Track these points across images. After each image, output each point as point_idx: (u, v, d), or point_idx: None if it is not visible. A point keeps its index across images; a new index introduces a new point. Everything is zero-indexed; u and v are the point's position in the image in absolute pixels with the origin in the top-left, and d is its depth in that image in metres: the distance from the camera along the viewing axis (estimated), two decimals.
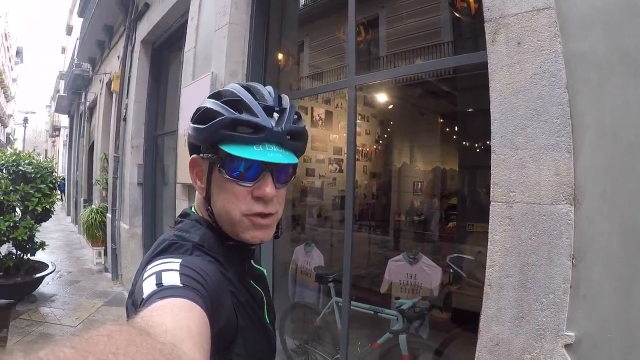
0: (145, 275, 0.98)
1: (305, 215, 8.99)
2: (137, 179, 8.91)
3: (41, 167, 8.32)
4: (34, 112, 54.33)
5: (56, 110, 29.64)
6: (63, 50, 41.78)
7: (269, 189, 1.19)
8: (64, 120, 36.15)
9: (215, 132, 1.17)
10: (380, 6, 6.58)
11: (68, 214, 23.47)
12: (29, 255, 8.16)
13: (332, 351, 5.06)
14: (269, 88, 1.29)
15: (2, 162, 7.99)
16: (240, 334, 1.15)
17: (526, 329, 2.12)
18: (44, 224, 8.71)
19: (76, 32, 22.57)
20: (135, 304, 0.97)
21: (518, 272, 2.17)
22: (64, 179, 23.86)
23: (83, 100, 17.90)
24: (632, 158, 1.91)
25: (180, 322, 0.78)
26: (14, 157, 8.09)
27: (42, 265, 8.54)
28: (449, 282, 5.30)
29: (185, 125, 5.38)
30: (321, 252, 6.14)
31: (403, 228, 9.51)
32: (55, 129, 44.74)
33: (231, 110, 1.17)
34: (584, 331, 1.99)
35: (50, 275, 8.52)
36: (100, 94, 13.84)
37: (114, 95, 10.76)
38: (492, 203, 2.30)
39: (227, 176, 1.18)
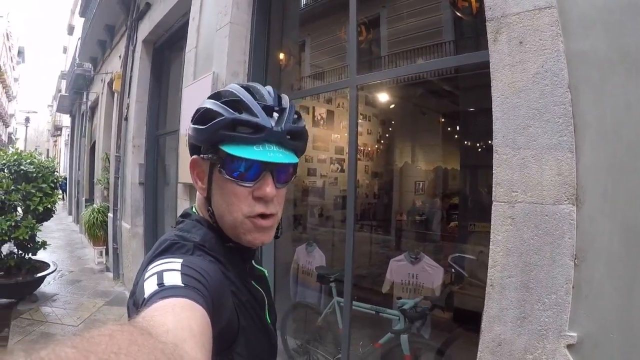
0: (147, 275, 0.98)
1: (307, 215, 8.98)
2: (139, 179, 8.92)
3: (43, 166, 8.34)
4: (36, 112, 54.53)
5: (58, 110, 29.66)
6: (65, 50, 41.77)
7: (269, 188, 1.19)
8: (65, 119, 36.21)
9: (215, 132, 1.17)
10: (381, 6, 6.58)
11: (69, 213, 23.49)
12: (30, 254, 8.17)
13: (333, 351, 5.05)
14: (269, 88, 1.29)
15: (4, 161, 8.00)
16: (241, 334, 1.15)
17: (528, 329, 2.12)
18: (45, 223, 8.72)
19: (78, 32, 22.57)
20: (136, 304, 0.97)
21: (520, 272, 2.17)
22: (65, 178, 23.92)
23: (85, 99, 17.91)
24: (633, 157, 1.91)
25: (181, 322, 0.78)
26: (15, 157, 8.11)
27: (44, 265, 8.56)
28: (450, 282, 5.31)
29: (186, 125, 5.37)
30: (323, 252, 6.14)
31: (405, 228, 9.51)
32: (57, 129, 44.77)
33: (231, 110, 1.17)
34: (586, 331, 1.98)
35: (51, 274, 8.53)
36: (102, 93, 13.85)
37: (116, 95, 10.78)
38: (494, 203, 2.30)
39: (228, 176, 1.19)
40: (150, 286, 0.93)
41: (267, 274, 1.50)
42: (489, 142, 2.43)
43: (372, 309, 4.75)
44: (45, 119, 73.97)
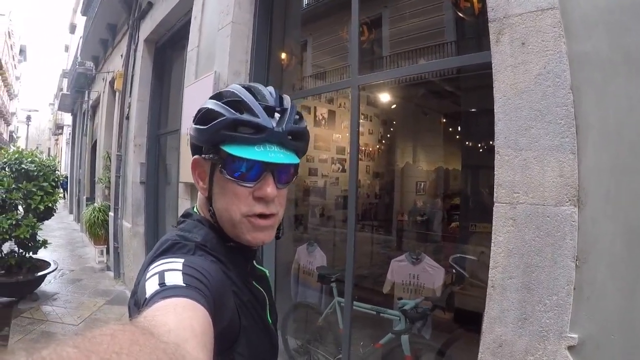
0: (148, 275, 0.99)
1: (308, 214, 8.98)
2: (140, 178, 8.91)
3: (44, 165, 8.34)
4: (37, 110, 54.68)
5: (59, 109, 29.67)
6: (66, 49, 41.78)
7: (269, 189, 1.19)
8: (67, 118, 36.30)
9: (217, 132, 1.17)
10: (383, 6, 6.57)
11: (70, 212, 23.50)
12: (31, 253, 8.18)
13: (334, 351, 5.06)
14: (270, 88, 1.29)
15: (5, 160, 8.01)
16: (243, 334, 1.15)
17: (529, 331, 2.12)
18: (46, 222, 8.72)
19: (79, 31, 22.57)
20: (138, 303, 0.97)
21: (521, 273, 2.17)
22: (66, 177, 23.92)
23: (86, 98, 17.91)
24: (635, 158, 1.91)
25: (183, 321, 0.78)
26: (16, 155, 8.11)
27: (44, 264, 8.56)
28: (451, 283, 5.30)
29: (188, 125, 5.36)
30: (324, 252, 6.14)
31: (406, 228, 9.49)
32: (58, 127, 44.84)
33: (232, 110, 1.17)
34: (587, 333, 1.98)
35: (52, 273, 8.54)
36: (104, 92, 13.85)
37: (117, 93, 10.78)
38: (495, 204, 2.30)
39: (229, 176, 1.19)
40: (151, 286, 0.93)
41: (268, 274, 1.50)
42: (491, 142, 2.43)
43: (372, 309, 4.75)
44: (46, 118, 74.01)
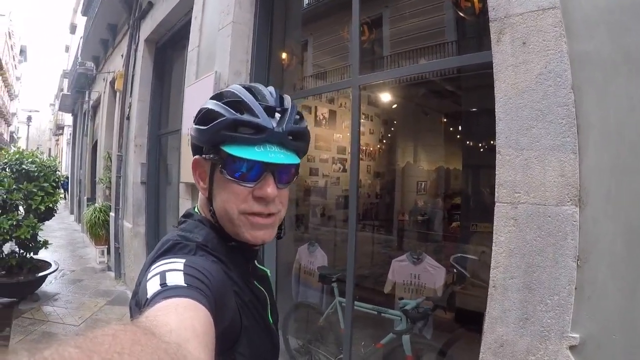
0: (149, 275, 0.99)
1: (309, 214, 8.98)
2: (141, 178, 8.92)
3: (44, 165, 8.34)
4: (38, 111, 54.64)
5: (60, 109, 29.70)
6: (67, 49, 41.81)
7: (270, 189, 1.19)
8: (67, 118, 36.32)
9: (217, 133, 1.17)
10: (384, 6, 6.57)
11: (71, 212, 23.52)
12: (31, 253, 8.18)
13: (335, 351, 5.06)
14: (271, 88, 1.29)
15: (6, 160, 8.02)
16: (244, 334, 1.15)
17: (531, 331, 2.12)
18: (47, 222, 8.72)
19: (80, 31, 22.57)
20: (139, 304, 0.97)
21: (523, 273, 2.16)
22: (67, 177, 23.88)
23: (87, 99, 17.93)
24: (636, 158, 1.91)
25: (184, 321, 0.78)
26: (17, 156, 8.11)
27: (45, 264, 8.57)
28: (452, 283, 5.29)
29: (188, 125, 5.36)
30: (325, 252, 6.13)
31: (407, 228, 9.49)
32: (59, 128, 44.91)
33: (232, 111, 1.17)
34: (589, 333, 1.98)
35: (53, 274, 8.54)
36: (104, 92, 13.86)
37: (118, 94, 10.78)
38: (496, 204, 2.30)
39: (229, 177, 1.19)
40: (153, 286, 0.93)
41: (269, 273, 1.50)
42: (492, 142, 2.43)
43: (374, 309, 4.74)
44: (47, 118, 74.05)
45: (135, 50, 9.51)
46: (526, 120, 2.19)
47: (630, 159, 1.92)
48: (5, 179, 7.57)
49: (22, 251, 8.02)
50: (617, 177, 1.96)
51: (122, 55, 10.89)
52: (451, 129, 10.54)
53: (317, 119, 9.18)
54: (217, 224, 1.27)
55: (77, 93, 19.99)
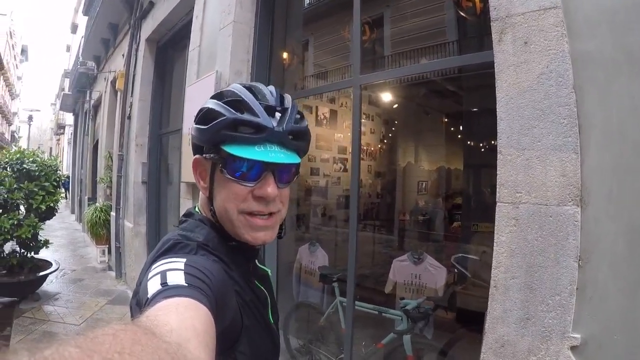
0: (150, 274, 0.99)
1: (310, 214, 8.97)
2: (142, 178, 8.92)
3: (45, 165, 8.34)
4: (39, 110, 54.60)
5: (61, 109, 29.75)
6: (68, 49, 41.81)
7: (270, 188, 1.19)
8: (68, 118, 36.35)
9: (217, 132, 1.18)
10: (385, 5, 6.57)
11: (72, 212, 23.57)
12: (32, 253, 8.20)
13: (336, 351, 5.06)
14: (271, 88, 1.29)
15: (7, 160, 8.02)
16: (244, 333, 1.15)
17: (532, 331, 2.12)
18: (48, 222, 8.73)
19: (81, 31, 22.59)
20: (140, 303, 0.98)
21: (524, 273, 2.16)
22: (68, 177, 23.91)
23: (88, 98, 17.94)
24: (638, 158, 1.91)
25: (185, 321, 0.78)
26: (18, 155, 8.12)
27: (46, 264, 8.57)
28: (453, 283, 5.29)
29: (189, 124, 5.37)
30: (325, 252, 6.13)
31: (407, 227, 9.49)
32: (60, 127, 45.00)
33: (232, 110, 1.18)
34: (590, 333, 1.98)
35: (54, 273, 8.54)
36: (105, 92, 13.87)
37: (119, 93, 10.79)
38: (498, 204, 2.29)
39: (229, 176, 1.19)
40: (153, 286, 0.93)
41: (270, 273, 1.50)
42: (493, 142, 2.43)
43: (374, 309, 4.74)
44: (48, 118, 74.19)
45: (136, 50, 9.51)
46: (528, 120, 2.18)
47: (632, 159, 1.92)
48: (7, 178, 7.58)
49: (23, 250, 8.04)
50: (619, 177, 1.95)
51: (123, 55, 10.90)
52: (452, 128, 10.54)
53: (318, 118, 9.19)
54: (218, 223, 1.27)
55: (78, 92, 20.02)
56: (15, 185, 7.60)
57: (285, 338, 5.35)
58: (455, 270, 5.30)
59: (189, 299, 0.87)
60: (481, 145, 8.18)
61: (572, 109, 2.04)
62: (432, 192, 9.95)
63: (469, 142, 9.03)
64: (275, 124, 1.18)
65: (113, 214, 10.52)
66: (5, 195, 7.43)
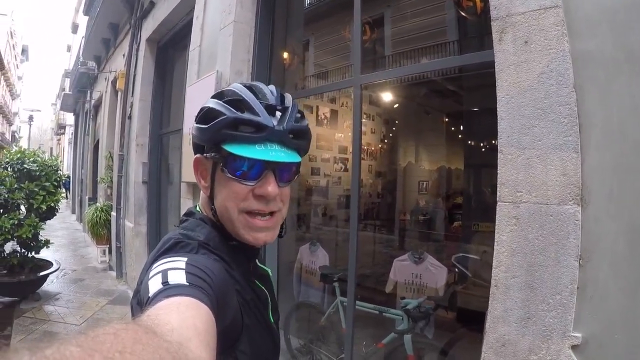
0: (151, 274, 0.99)
1: (310, 214, 8.98)
2: (142, 178, 8.92)
3: (46, 165, 8.35)
4: (40, 110, 54.68)
5: (61, 109, 29.77)
6: (68, 49, 41.83)
7: (270, 187, 1.19)
8: (69, 118, 36.38)
9: (218, 131, 1.18)
10: (385, 5, 6.57)
11: (73, 212, 23.57)
12: (33, 253, 8.20)
13: (336, 351, 5.06)
14: (272, 87, 1.29)
15: (7, 160, 8.02)
16: (245, 332, 1.16)
17: (533, 330, 2.12)
18: (48, 222, 8.75)
19: (82, 31, 22.61)
20: (140, 302, 0.98)
21: (525, 272, 2.16)
22: (69, 177, 23.93)
23: (88, 98, 17.96)
24: (638, 157, 1.91)
25: (186, 320, 0.78)
26: (18, 155, 8.12)
27: (47, 264, 8.57)
28: (454, 282, 5.29)
29: (190, 124, 5.39)
30: (326, 252, 6.13)
31: (408, 227, 9.49)
32: (61, 127, 45.03)
33: (233, 109, 1.18)
34: (591, 332, 1.98)
35: (54, 273, 8.54)
36: (106, 92, 13.88)
37: (119, 93, 10.79)
38: (498, 203, 2.29)
39: (230, 175, 1.19)
40: (154, 285, 0.93)
41: (270, 273, 1.50)
42: (493, 142, 2.43)
43: (375, 309, 4.74)
44: (48, 118, 74.27)
45: (137, 50, 9.51)
46: (528, 119, 2.18)
47: (632, 158, 1.92)
48: (7, 178, 7.59)
49: (23, 250, 8.05)
50: (619, 176, 1.95)
51: (123, 55, 10.91)
52: (453, 128, 10.53)
53: (319, 118, 9.19)
54: (219, 222, 1.28)
55: (79, 92, 20.04)
56: (16, 185, 7.61)
57: (286, 338, 5.35)
58: (456, 269, 5.30)
59: (190, 298, 0.87)
60: (482, 145, 8.18)
61: (573, 108, 2.04)
62: (433, 192, 9.96)
63: (469, 142, 9.03)
64: (275, 123, 1.18)
65: (114, 213, 10.52)
66: (6, 195, 7.43)
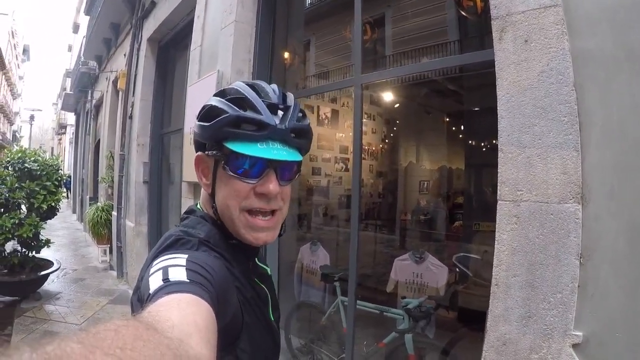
0: (152, 270, 0.99)
1: (311, 214, 8.98)
2: (143, 177, 8.93)
3: (47, 164, 8.36)
4: (41, 110, 54.69)
5: (62, 108, 29.75)
6: (70, 48, 41.86)
7: (272, 185, 1.20)
8: (70, 118, 36.38)
9: (220, 129, 1.18)
10: (386, 5, 6.57)
11: (74, 211, 23.59)
12: (34, 252, 8.21)
13: (337, 350, 5.06)
14: (274, 86, 1.30)
15: (8, 159, 8.03)
16: (245, 330, 1.16)
17: (533, 329, 2.12)
18: (49, 221, 8.76)
19: (83, 30, 22.65)
20: (141, 299, 0.98)
21: (525, 271, 2.16)
22: (69, 176, 23.95)
23: (89, 98, 17.98)
24: (638, 155, 1.91)
25: (187, 317, 0.78)
26: (19, 155, 8.12)
27: (47, 263, 8.57)
28: (455, 282, 5.28)
29: (191, 124, 5.39)
30: (327, 251, 6.13)
31: (409, 227, 9.48)
32: (62, 127, 45.04)
33: (235, 107, 1.18)
34: (592, 330, 1.98)
35: (55, 272, 8.55)
36: (107, 92, 13.89)
37: (120, 93, 10.79)
38: (499, 202, 2.29)
39: (232, 173, 1.20)
40: (155, 281, 0.93)
41: (269, 271, 1.51)
42: (494, 141, 2.43)
43: (376, 309, 4.74)
44: (50, 117, 74.39)
45: (138, 50, 9.52)
46: (528, 118, 2.19)
47: (632, 157, 1.92)
48: (8, 178, 7.60)
49: (24, 250, 8.05)
50: (620, 175, 1.95)
51: (124, 55, 10.92)
52: (453, 128, 10.54)
53: (320, 118, 9.19)
54: (219, 221, 1.28)
55: (80, 92, 20.04)
56: (16, 185, 7.62)
57: (286, 337, 5.35)
58: (457, 269, 5.30)
59: (191, 294, 0.87)
60: (482, 144, 8.17)
61: (573, 106, 2.04)
62: (434, 192, 9.96)
63: (470, 142, 9.02)
64: (277, 121, 1.19)
65: (114, 213, 10.52)
66: (7, 195, 7.44)
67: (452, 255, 5.63)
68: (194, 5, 6.37)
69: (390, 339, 4.62)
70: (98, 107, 16.90)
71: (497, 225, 2.30)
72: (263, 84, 1.28)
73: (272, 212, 1.26)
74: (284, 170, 1.24)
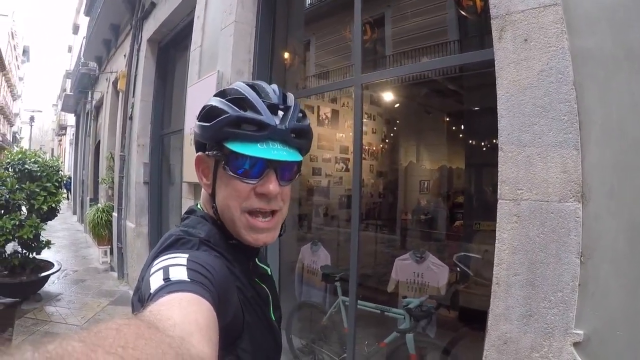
0: (153, 270, 0.99)
1: (312, 214, 8.97)
2: (143, 178, 8.93)
3: (47, 165, 8.35)
4: (41, 111, 54.72)
5: (62, 109, 29.76)
6: (69, 49, 41.93)
7: (272, 186, 1.20)
8: (70, 119, 36.39)
9: (220, 129, 1.18)
10: (386, 5, 6.57)
11: (74, 212, 23.56)
12: (34, 254, 8.19)
13: (338, 350, 5.05)
14: (274, 86, 1.30)
15: (8, 160, 8.03)
16: (246, 330, 1.16)
17: (534, 328, 2.12)
18: (49, 222, 8.76)
19: (83, 31, 22.68)
20: (142, 299, 0.98)
21: (526, 270, 2.16)
22: (70, 177, 23.96)
23: (89, 99, 17.97)
24: (638, 154, 1.91)
25: (188, 316, 0.78)
26: (20, 156, 8.12)
27: (48, 264, 8.57)
28: (456, 281, 5.28)
29: (191, 124, 5.39)
30: (328, 251, 6.12)
31: (410, 227, 9.48)
32: (62, 128, 45.03)
33: (235, 108, 1.18)
34: (593, 329, 1.98)
35: (55, 274, 8.54)
36: (107, 92, 13.89)
37: (120, 94, 10.79)
38: (499, 201, 2.29)
39: (232, 173, 1.20)
40: (156, 281, 0.94)
41: (270, 271, 1.51)
42: (494, 140, 2.43)
43: (377, 308, 4.74)
44: (50, 118, 74.39)
45: (138, 50, 9.52)
46: (528, 117, 2.19)
47: (632, 155, 1.92)
48: (8, 179, 7.59)
49: (24, 251, 8.04)
50: (620, 174, 1.96)
51: (124, 56, 10.92)
52: (454, 127, 10.55)
53: (320, 118, 9.19)
54: (220, 221, 1.28)
55: (80, 93, 20.05)
56: (17, 186, 7.61)
57: (287, 338, 5.34)
58: (458, 268, 5.30)
59: (192, 294, 0.88)
60: (483, 144, 8.18)
61: (573, 105, 2.05)
62: (434, 191, 9.96)
63: (470, 141, 9.03)
64: (277, 121, 1.19)
65: (115, 214, 10.52)
66: (7, 196, 7.43)
67: (453, 254, 5.63)
68: (193, 5, 6.37)
69: (391, 339, 4.62)
70: (98, 108, 16.90)
71: (497, 224, 2.30)
72: (263, 84, 1.28)
73: (272, 213, 1.26)
74: (284, 171, 1.24)
